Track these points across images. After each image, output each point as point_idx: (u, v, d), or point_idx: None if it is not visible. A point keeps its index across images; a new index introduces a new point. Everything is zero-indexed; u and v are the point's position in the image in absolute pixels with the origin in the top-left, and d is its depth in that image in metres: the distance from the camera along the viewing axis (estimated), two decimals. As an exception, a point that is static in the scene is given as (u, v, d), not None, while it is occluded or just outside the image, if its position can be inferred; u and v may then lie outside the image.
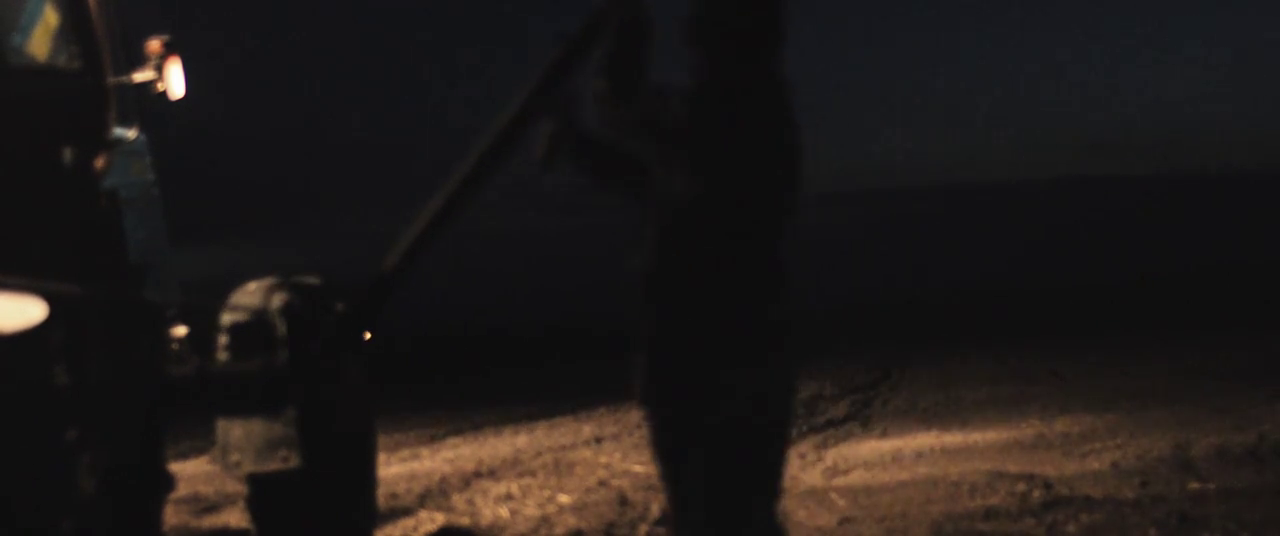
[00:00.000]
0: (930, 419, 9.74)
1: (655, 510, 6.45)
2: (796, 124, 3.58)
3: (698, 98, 3.52)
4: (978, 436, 8.54)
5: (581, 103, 3.76)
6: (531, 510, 6.66)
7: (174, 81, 5.09)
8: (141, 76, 5.07)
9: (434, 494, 7.29)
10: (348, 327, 4.67)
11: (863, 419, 10.15)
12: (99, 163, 4.86)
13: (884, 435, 9.06)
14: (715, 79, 3.52)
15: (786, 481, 7.14)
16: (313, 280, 5.02)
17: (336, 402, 4.93)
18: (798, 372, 3.72)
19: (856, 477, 7.24)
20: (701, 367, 3.48)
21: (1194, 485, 6.32)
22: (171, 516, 6.42)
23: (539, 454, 8.64)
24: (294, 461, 4.83)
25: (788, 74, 3.57)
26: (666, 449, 3.61)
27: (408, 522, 6.48)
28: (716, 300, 3.49)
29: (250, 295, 4.99)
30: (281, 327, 4.82)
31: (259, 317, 4.86)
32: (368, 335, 4.94)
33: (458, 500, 7.07)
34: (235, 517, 6.55)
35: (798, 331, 3.62)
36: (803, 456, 8.21)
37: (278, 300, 4.88)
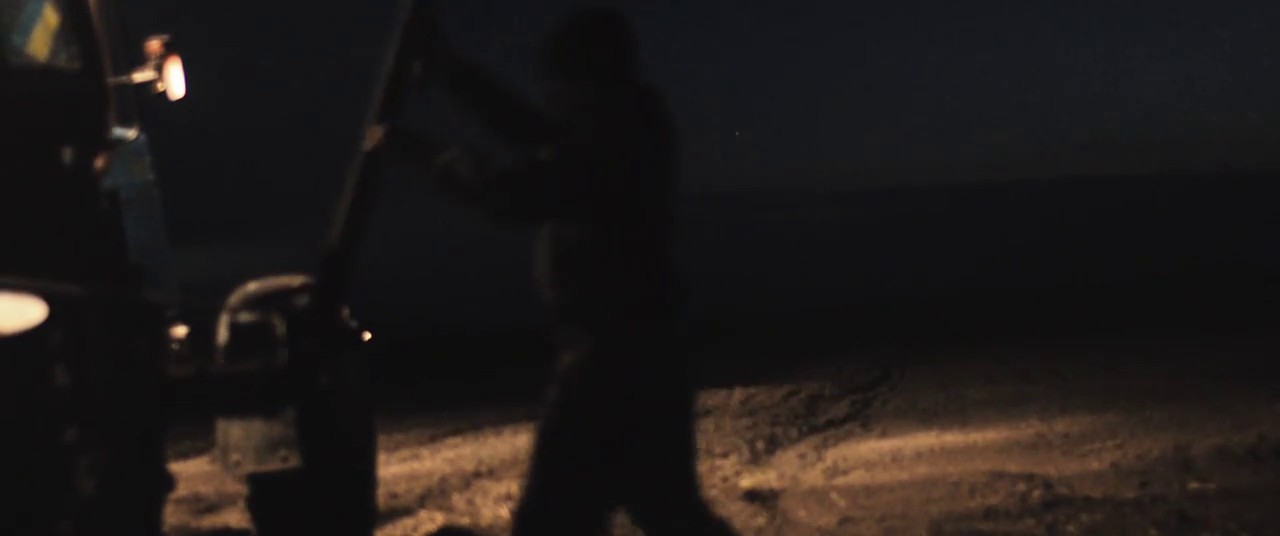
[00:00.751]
0: (930, 419, 9.74)
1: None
2: (671, 129, 3.70)
3: (571, 123, 3.62)
4: (978, 436, 8.54)
5: (447, 34, 3.87)
6: (531, 510, 6.65)
7: (174, 81, 5.08)
8: (141, 76, 5.06)
9: (434, 494, 7.30)
10: (316, 313, 4.68)
11: (863, 419, 10.15)
12: (99, 163, 4.85)
13: (884, 435, 9.06)
14: (581, 102, 3.64)
15: (786, 481, 7.18)
16: (312, 280, 5.01)
17: (336, 402, 4.92)
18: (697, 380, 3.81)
19: (856, 477, 7.24)
20: (608, 377, 3.55)
21: (1194, 485, 6.31)
22: (171, 516, 6.42)
23: (539, 454, 8.63)
24: (294, 461, 4.82)
25: (650, 83, 3.71)
26: (560, 458, 3.65)
27: (408, 522, 6.48)
28: (616, 308, 3.58)
29: (249, 295, 4.99)
30: (280, 328, 4.81)
31: (258, 318, 4.86)
32: (367, 335, 4.93)
33: (458, 500, 7.08)
34: (235, 517, 6.55)
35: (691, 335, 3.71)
36: (803, 456, 8.22)
37: (277, 300, 4.88)
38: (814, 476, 7.37)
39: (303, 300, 4.83)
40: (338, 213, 4.28)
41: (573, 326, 3.59)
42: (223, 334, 4.94)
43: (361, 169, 4.14)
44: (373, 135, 3.85)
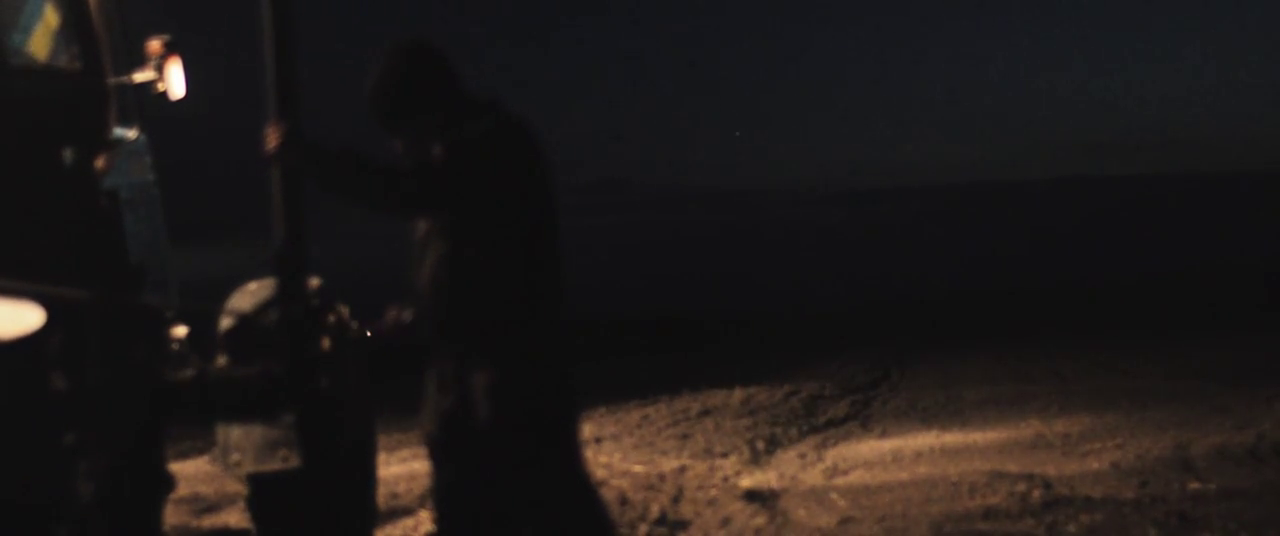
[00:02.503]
0: (930, 419, 9.74)
1: (655, 510, 6.45)
2: (529, 134, 3.83)
3: (431, 157, 3.77)
4: (978, 436, 8.54)
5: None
6: (531, 510, 6.65)
7: (174, 81, 5.08)
8: (141, 76, 5.06)
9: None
10: (285, 312, 4.71)
11: (863, 419, 10.15)
12: (99, 163, 4.85)
13: (884, 435, 9.06)
14: (435, 131, 3.79)
15: (786, 481, 7.18)
16: (313, 280, 5.01)
17: (336, 402, 4.92)
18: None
19: (856, 477, 7.24)
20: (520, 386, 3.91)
21: (1194, 485, 6.31)
22: (171, 516, 6.42)
23: (539, 454, 8.62)
24: (294, 461, 4.82)
25: (486, 96, 3.88)
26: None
27: (408, 522, 6.48)
28: (495, 321, 3.83)
29: (250, 296, 4.98)
30: (280, 328, 4.80)
31: (259, 318, 4.85)
32: (368, 334, 4.93)
33: (458, 500, 7.06)
34: (235, 517, 6.55)
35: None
36: (803, 456, 8.22)
37: (278, 301, 4.87)
38: (814, 476, 7.37)
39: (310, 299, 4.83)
40: (274, 214, 4.39)
41: (453, 339, 3.89)
42: (223, 334, 4.94)
43: (278, 170, 4.28)
44: (270, 137, 3.98)
